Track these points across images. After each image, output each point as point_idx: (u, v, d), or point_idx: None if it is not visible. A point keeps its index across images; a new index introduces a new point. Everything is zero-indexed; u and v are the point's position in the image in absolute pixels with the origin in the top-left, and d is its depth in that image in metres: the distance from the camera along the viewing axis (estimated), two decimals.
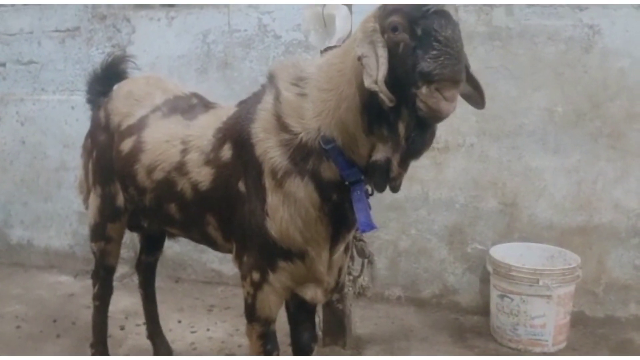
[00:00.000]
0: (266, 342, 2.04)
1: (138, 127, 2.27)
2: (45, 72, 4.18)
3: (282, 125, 1.82)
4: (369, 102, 1.63)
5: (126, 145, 2.27)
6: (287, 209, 1.82)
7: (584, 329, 3.28)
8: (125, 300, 3.49)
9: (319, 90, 1.78)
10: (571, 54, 3.15)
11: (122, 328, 3.31)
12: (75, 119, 4.06)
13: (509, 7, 3.19)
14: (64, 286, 3.97)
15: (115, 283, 3.86)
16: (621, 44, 3.08)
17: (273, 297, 1.96)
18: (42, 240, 4.38)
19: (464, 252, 3.47)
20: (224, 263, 3.95)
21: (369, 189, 1.82)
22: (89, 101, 2.67)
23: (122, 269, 3.99)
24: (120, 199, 2.44)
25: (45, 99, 4.18)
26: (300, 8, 3.47)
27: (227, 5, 3.68)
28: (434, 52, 1.45)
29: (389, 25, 1.53)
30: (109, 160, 2.38)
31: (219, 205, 2.02)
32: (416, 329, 3.31)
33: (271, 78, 1.93)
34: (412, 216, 3.51)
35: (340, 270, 2.08)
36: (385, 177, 1.70)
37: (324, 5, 2.60)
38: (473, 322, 3.40)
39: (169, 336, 3.03)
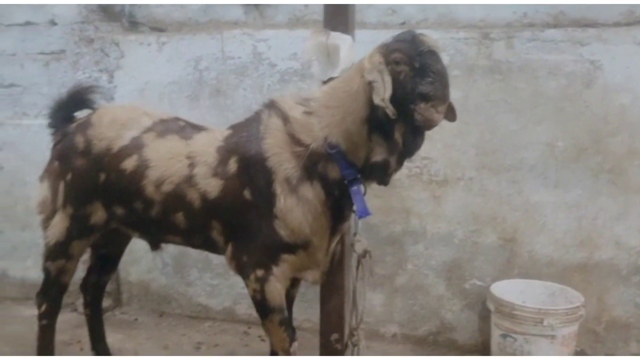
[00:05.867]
0: (287, 328, 2.37)
1: (135, 147, 2.46)
2: (27, 96, 4.02)
3: (295, 140, 2.22)
4: (371, 115, 2.10)
5: (128, 164, 2.44)
6: (300, 209, 2.19)
7: None
8: (108, 337, 3.30)
9: (326, 108, 2.21)
10: (572, 88, 3.12)
11: None
12: None
13: (509, 41, 3.16)
14: None
15: None
16: (622, 80, 3.06)
17: (279, 286, 2.30)
18: (18, 271, 4.17)
19: (462, 288, 3.38)
20: (211, 297, 3.80)
21: (363, 188, 2.22)
22: (52, 126, 2.77)
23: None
24: (97, 218, 2.58)
25: (27, 124, 4.01)
26: (295, 37, 3.43)
27: (220, 32, 3.59)
28: (430, 79, 1.99)
29: (392, 59, 2.03)
30: (89, 183, 2.54)
31: (225, 211, 2.31)
32: None
33: (271, 104, 2.35)
34: (409, 251, 3.42)
35: (333, 255, 2.50)
36: (385, 173, 2.20)
37: (328, 35, 2.53)
38: None
39: None
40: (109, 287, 3.69)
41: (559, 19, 3.19)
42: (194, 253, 3.76)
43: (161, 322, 3.77)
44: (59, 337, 3.46)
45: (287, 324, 2.38)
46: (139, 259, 3.89)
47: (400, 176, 3.33)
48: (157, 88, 3.70)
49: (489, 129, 3.24)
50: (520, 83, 3.17)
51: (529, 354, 2.89)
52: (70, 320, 3.74)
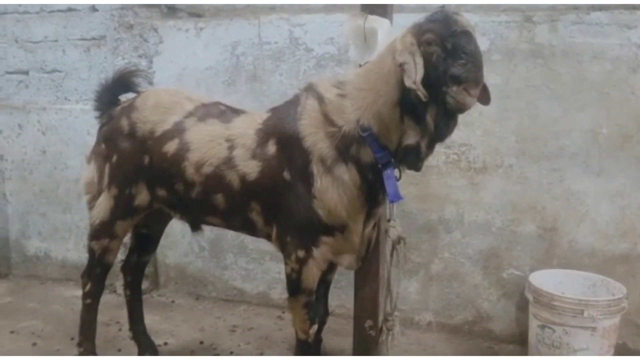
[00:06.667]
0: (310, 311, 2.42)
1: (177, 131, 2.51)
2: (69, 81, 4.11)
3: (328, 121, 2.22)
4: (403, 98, 2.06)
5: (170, 147, 2.50)
6: (336, 190, 2.21)
7: None
8: (146, 318, 3.36)
9: (358, 90, 2.20)
10: (618, 74, 3.01)
11: None
12: None
13: (552, 24, 3.07)
14: (80, 301, 3.84)
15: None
16: None
17: (316, 270, 2.35)
18: (59, 252, 4.28)
19: (500, 277, 3.32)
20: (246, 281, 3.83)
21: (398, 173, 2.21)
22: (98, 109, 2.82)
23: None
24: (141, 199, 2.64)
25: (68, 108, 4.10)
26: (332, 21, 3.40)
27: (257, 17, 3.59)
28: (462, 61, 1.92)
29: (424, 40, 1.98)
30: (133, 165, 2.60)
31: (265, 192, 2.35)
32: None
33: (310, 86, 2.35)
34: (446, 239, 3.38)
35: (369, 241, 2.48)
36: (417, 158, 2.15)
37: (366, 19, 2.49)
38: (508, 351, 3.25)
39: None
40: (147, 270, 3.75)
41: (606, 2, 3.08)
42: (229, 238, 3.80)
43: (197, 305, 3.82)
44: (98, 317, 3.55)
45: (311, 308, 2.43)
46: (176, 243, 3.94)
47: (437, 163, 3.29)
48: (194, 73, 3.72)
49: (530, 115, 3.16)
50: (563, 68, 3.08)
51: (567, 345, 2.82)
52: (110, 301, 3.81)
